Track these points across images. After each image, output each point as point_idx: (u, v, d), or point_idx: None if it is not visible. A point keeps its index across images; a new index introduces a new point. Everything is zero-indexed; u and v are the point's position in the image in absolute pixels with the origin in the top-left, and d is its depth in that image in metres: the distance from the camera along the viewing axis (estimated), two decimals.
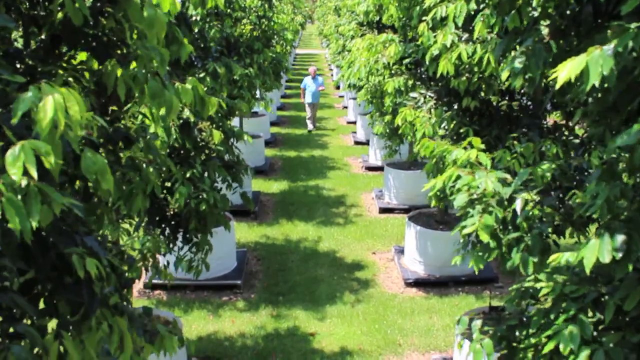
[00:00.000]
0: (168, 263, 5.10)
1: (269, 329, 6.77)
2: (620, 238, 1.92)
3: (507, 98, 4.72)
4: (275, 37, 9.13)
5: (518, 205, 2.53)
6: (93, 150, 1.70)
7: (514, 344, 2.51)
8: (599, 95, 2.03)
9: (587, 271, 1.89)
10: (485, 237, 2.39)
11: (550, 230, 2.46)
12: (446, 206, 8.50)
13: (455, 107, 4.70)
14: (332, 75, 27.52)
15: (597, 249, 1.93)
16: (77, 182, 2.91)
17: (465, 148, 3.07)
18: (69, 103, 1.57)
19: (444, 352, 6.34)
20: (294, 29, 16.27)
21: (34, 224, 1.39)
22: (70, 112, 1.57)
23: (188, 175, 4.06)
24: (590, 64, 1.74)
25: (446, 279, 7.80)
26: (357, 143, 15.73)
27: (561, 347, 2.07)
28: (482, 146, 3.01)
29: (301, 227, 9.91)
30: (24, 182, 1.41)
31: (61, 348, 1.74)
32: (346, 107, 20.02)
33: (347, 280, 8.05)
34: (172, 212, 4.78)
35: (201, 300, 7.43)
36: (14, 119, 1.53)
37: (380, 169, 12.70)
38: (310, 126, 17.15)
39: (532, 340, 2.26)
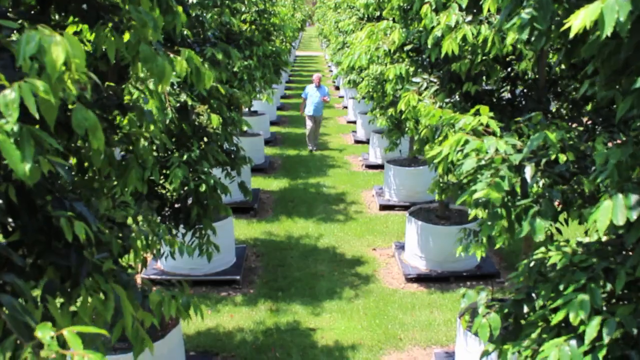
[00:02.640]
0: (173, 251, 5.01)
1: (268, 324, 6.68)
2: (635, 198, 1.84)
3: (509, 84, 4.65)
4: (275, 32, 9.07)
5: (528, 173, 2.45)
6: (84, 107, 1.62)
7: (521, 320, 2.43)
8: (609, 56, 1.95)
9: (601, 234, 1.80)
10: (496, 199, 2.30)
11: (559, 197, 2.38)
12: (447, 202, 8.43)
13: (457, 93, 4.63)
14: (331, 75, 27.49)
15: (611, 211, 1.85)
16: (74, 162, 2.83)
17: (473, 116, 2.97)
18: (71, 47, 1.49)
19: (445, 347, 6.25)
20: (294, 27, 16.18)
21: (27, 169, 1.31)
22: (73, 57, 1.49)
23: (185, 158, 3.99)
24: (605, 10, 1.65)
25: (448, 274, 7.71)
26: (357, 142, 15.67)
27: (571, 316, 1.99)
28: (491, 114, 2.92)
29: (301, 224, 9.83)
30: (16, 127, 1.33)
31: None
32: (346, 107, 20.00)
33: (347, 276, 7.96)
34: (171, 200, 4.70)
35: (199, 295, 7.34)
36: (19, 61, 1.44)
37: (380, 167, 12.63)
38: (310, 145, 14.73)
39: (541, 312, 2.17)
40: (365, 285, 7.66)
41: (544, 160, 2.57)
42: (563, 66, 5.27)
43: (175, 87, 4.06)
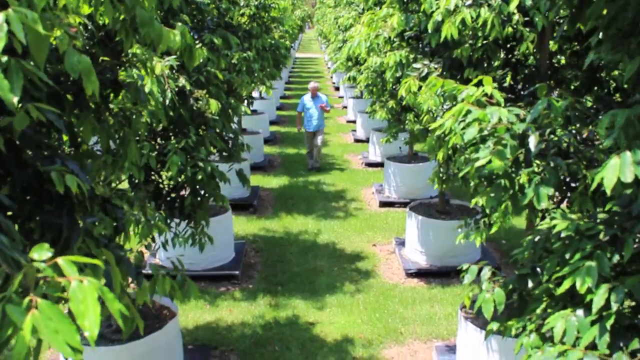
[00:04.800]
0: (167, 241, 4.96)
1: (267, 318, 6.62)
2: None
3: (510, 71, 4.61)
4: (274, 28, 9.04)
5: (531, 142, 2.40)
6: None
7: (525, 296, 2.37)
8: (616, 15, 1.90)
9: (608, 192, 1.75)
10: (499, 167, 2.24)
11: (563, 167, 2.32)
12: (447, 198, 8.38)
13: (458, 79, 4.59)
14: (331, 76, 27.50)
15: (619, 168, 1.79)
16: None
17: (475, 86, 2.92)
18: None
19: (446, 340, 6.19)
20: (294, 24, 16.14)
21: (15, 100, 1.26)
22: None
23: (182, 144, 3.93)
24: None
25: (448, 268, 7.65)
26: (357, 141, 15.65)
27: (578, 284, 1.93)
28: (495, 84, 2.87)
29: (300, 221, 9.77)
30: (4, 58, 1.28)
31: None
32: (346, 107, 20.00)
33: (347, 271, 7.90)
34: (168, 189, 4.65)
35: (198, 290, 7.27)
36: None
37: (380, 165, 12.60)
38: (310, 163, 12.72)
39: (546, 286, 2.11)
40: (365, 280, 7.60)
41: (548, 131, 2.51)
42: (563, 61, 5.23)
43: (174, 71, 4.01)
